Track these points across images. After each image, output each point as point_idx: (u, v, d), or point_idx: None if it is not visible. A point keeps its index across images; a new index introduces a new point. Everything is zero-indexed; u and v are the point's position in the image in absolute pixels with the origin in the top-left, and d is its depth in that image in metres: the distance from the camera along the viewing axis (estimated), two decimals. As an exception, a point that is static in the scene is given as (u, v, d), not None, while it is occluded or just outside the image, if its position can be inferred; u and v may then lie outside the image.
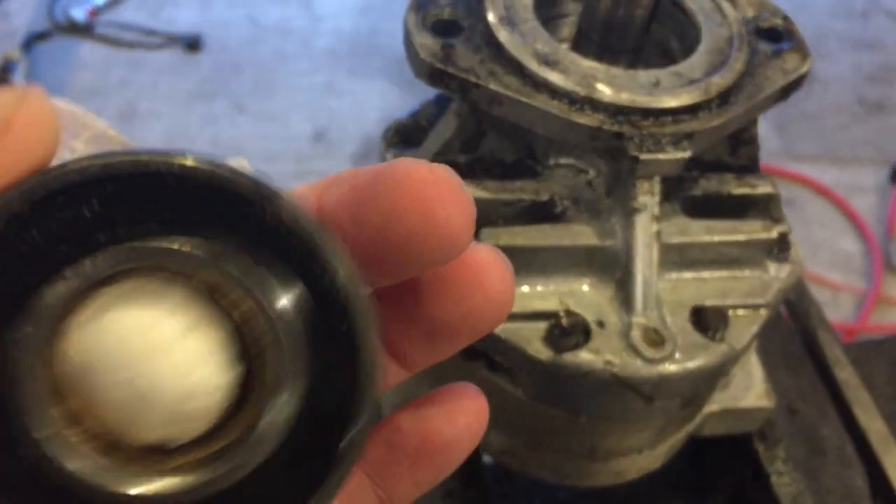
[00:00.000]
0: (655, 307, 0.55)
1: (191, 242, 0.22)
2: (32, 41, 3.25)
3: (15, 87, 0.22)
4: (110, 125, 0.28)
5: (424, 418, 0.28)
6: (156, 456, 0.22)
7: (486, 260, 0.27)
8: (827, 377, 0.82)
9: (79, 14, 3.45)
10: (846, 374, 0.82)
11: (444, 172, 0.24)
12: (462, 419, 0.28)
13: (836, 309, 2.47)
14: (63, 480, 0.21)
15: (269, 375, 0.22)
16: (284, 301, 0.22)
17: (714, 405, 0.65)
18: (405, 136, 0.65)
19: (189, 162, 0.21)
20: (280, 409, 0.22)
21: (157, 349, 0.22)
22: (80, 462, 0.21)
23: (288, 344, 0.22)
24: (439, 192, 0.24)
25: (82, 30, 3.42)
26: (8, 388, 0.21)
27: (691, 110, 0.54)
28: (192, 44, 3.34)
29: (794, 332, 0.84)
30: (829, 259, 2.54)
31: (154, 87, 3.31)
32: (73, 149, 0.26)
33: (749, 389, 0.66)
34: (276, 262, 0.22)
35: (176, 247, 0.22)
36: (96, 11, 3.55)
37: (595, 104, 0.53)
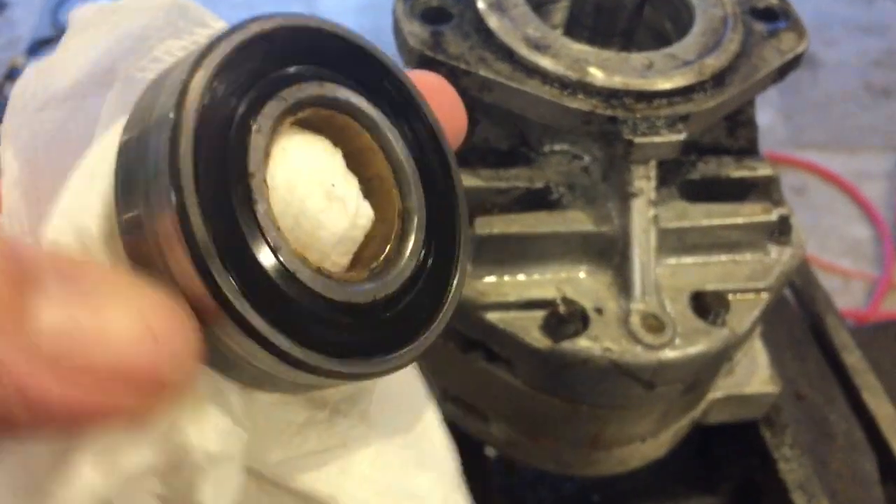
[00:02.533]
0: (654, 293, 0.54)
1: (338, 89, 0.27)
2: (37, 47, 3.26)
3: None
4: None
5: None
6: (341, 274, 0.27)
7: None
8: (835, 362, 0.81)
9: (82, 20, 3.46)
10: (854, 359, 0.81)
11: (441, 77, 0.32)
12: None
13: (848, 296, 2.45)
14: (290, 287, 0.24)
15: (402, 213, 0.28)
16: (404, 154, 0.28)
17: (718, 392, 0.64)
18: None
19: (350, 35, 0.27)
20: (415, 234, 0.28)
21: (342, 171, 0.27)
22: (307, 273, 0.24)
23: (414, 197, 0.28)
24: (441, 92, 0.31)
25: (86, 36, 3.43)
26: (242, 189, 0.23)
27: (686, 92, 0.53)
28: (196, 47, 3.36)
29: (800, 317, 0.83)
30: (839, 246, 2.51)
31: (159, 92, 3.31)
32: (196, 42, 0.28)
33: (754, 375, 0.65)
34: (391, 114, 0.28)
35: (356, 102, 0.27)
36: (100, 17, 3.56)
37: (587, 88, 0.52)
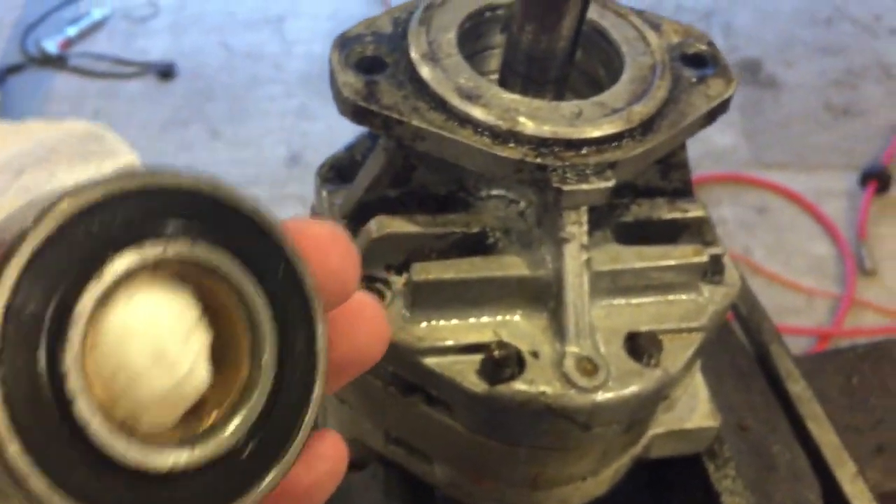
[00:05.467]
0: (588, 335, 0.55)
1: (208, 250, 0.27)
2: (5, 74, 3.23)
3: None
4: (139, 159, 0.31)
5: None
6: (160, 437, 0.26)
7: (363, 301, 0.31)
8: (779, 391, 0.83)
9: (51, 46, 3.45)
10: (799, 388, 0.82)
11: (333, 228, 0.31)
12: (321, 465, 0.30)
13: (811, 314, 2.49)
14: (98, 455, 0.24)
15: (241, 375, 0.28)
16: (266, 320, 0.28)
17: (659, 427, 0.65)
18: (340, 172, 0.65)
19: (217, 189, 0.27)
20: (247, 411, 0.27)
21: (184, 332, 0.27)
22: (120, 443, 0.24)
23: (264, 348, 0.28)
24: (331, 244, 0.30)
25: (55, 62, 3.42)
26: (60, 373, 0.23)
27: (614, 140, 0.54)
28: (166, 72, 3.34)
29: (744, 346, 0.84)
30: (802, 265, 2.55)
31: (129, 117, 3.31)
32: (101, 172, 0.29)
33: (694, 410, 0.67)
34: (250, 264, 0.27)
35: (224, 262, 0.27)
36: (69, 43, 3.55)
37: (518, 137, 0.53)
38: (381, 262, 0.58)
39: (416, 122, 0.54)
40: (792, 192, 2.63)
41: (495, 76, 0.62)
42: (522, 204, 0.59)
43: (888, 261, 2.50)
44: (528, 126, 0.53)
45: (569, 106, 0.55)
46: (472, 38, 0.62)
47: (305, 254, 0.28)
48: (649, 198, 0.62)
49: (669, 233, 0.61)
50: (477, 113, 0.54)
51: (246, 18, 3.61)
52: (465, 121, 0.54)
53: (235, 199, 0.27)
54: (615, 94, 0.57)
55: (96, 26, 3.53)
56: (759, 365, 0.85)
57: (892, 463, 0.82)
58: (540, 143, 0.54)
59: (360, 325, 0.31)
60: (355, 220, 0.60)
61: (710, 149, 2.74)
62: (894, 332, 2.37)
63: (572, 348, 0.55)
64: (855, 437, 0.81)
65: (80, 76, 3.49)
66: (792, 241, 2.58)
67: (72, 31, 3.42)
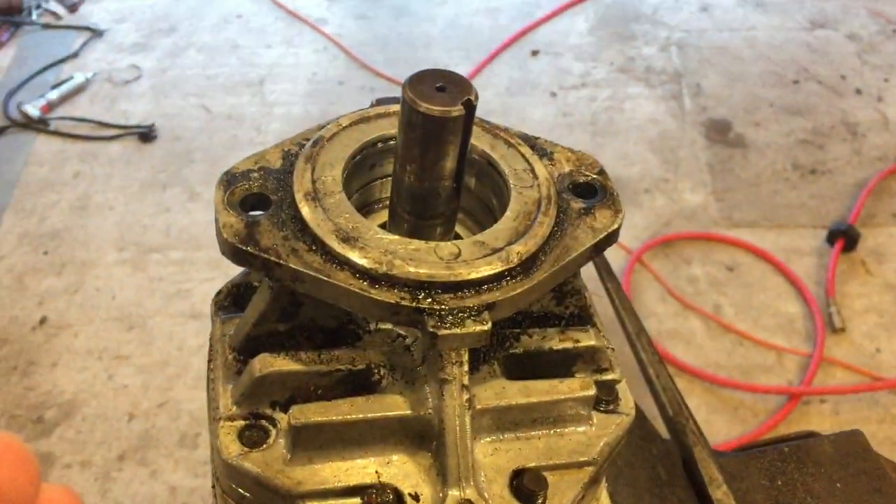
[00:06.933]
0: (471, 477, 0.55)
1: None
2: (-15, 139, 3.24)
3: None
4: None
5: None
6: None
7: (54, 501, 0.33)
8: (702, 496, 0.82)
9: (33, 109, 3.48)
10: (720, 494, 0.81)
11: (3, 440, 0.32)
12: None
13: (782, 372, 2.48)
14: None
15: None
16: None
17: (562, 554, 0.64)
18: (237, 299, 0.65)
19: None
20: None
21: None
22: None
23: None
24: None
25: (37, 124, 3.45)
26: None
27: (492, 280, 0.54)
28: (146, 134, 3.37)
29: (664, 453, 0.83)
30: (772, 323, 2.55)
31: (108, 179, 3.32)
32: None
33: (599, 534, 0.66)
34: None
35: None
36: (50, 106, 3.58)
37: (394, 281, 0.53)
38: (265, 400, 0.58)
39: (293, 265, 0.54)
40: (761, 251, 2.65)
41: (380, 212, 0.62)
42: (409, 339, 0.59)
43: (856, 319, 2.50)
44: (404, 269, 0.54)
45: (448, 247, 0.55)
46: (365, 169, 0.63)
47: None
48: (543, 326, 0.62)
49: (562, 362, 0.61)
50: (354, 256, 0.54)
51: (226, 81, 3.66)
52: (343, 263, 0.54)
53: None
54: (496, 232, 0.57)
55: (78, 90, 3.57)
56: (683, 467, 0.84)
57: (818, 571, 0.80)
58: (417, 287, 0.53)
59: None
60: (244, 353, 0.60)
61: (681, 207, 2.76)
62: (862, 389, 2.37)
63: (453, 491, 0.54)
64: (779, 546, 0.80)
65: (61, 139, 3.52)
66: (761, 299, 2.58)
67: (53, 94, 3.46)
